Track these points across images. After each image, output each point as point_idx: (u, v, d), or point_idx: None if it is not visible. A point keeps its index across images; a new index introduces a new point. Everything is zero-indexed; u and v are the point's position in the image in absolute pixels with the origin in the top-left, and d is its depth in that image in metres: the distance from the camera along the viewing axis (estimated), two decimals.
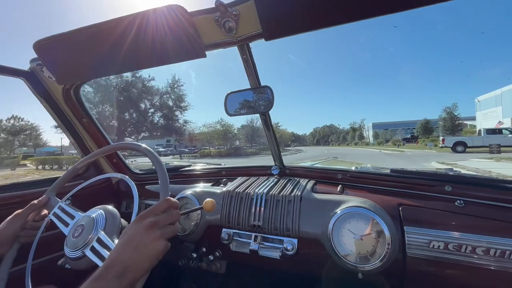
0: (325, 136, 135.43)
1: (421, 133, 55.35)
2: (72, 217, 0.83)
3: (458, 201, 0.85)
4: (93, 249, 0.70)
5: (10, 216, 0.84)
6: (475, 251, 0.74)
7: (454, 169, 1.00)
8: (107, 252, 0.69)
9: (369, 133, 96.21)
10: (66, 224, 0.82)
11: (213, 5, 0.79)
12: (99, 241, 0.72)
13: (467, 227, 0.78)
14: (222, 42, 0.87)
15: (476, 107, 35.23)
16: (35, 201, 0.88)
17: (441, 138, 24.19)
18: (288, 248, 0.93)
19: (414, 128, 72.20)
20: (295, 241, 0.93)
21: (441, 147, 21.16)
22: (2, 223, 0.83)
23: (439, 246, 0.77)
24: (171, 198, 0.67)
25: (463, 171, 1.01)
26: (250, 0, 0.73)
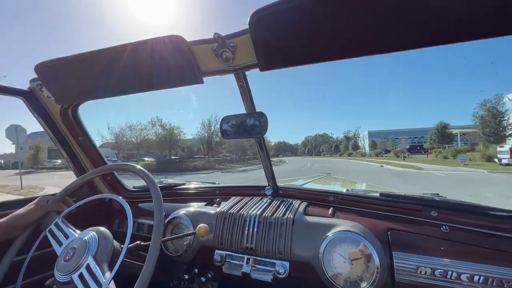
0: (317, 146, 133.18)
1: (437, 141, 42.93)
2: (66, 236, 0.84)
3: (444, 226, 0.88)
4: (81, 277, 0.71)
5: (33, 205, 0.91)
6: (460, 278, 0.76)
7: (440, 194, 1.04)
8: (94, 283, 0.68)
9: (364, 143, 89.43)
10: (60, 244, 0.83)
11: (212, 36, 0.83)
12: (88, 268, 0.72)
13: (452, 253, 0.81)
14: (219, 70, 0.91)
15: (507, 105, 26.57)
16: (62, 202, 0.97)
17: (508, 147, 15.54)
18: (280, 271, 0.93)
19: (422, 137, 63.68)
20: (287, 264, 0.94)
21: (504, 164, 13.22)
22: (23, 208, 0.91)
23: (426, 272, 0.80)
24: None
25: (449, 197, 1.04)
26: (247, 34, 0.78)
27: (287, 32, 0.73)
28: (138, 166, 0.92)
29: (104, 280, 0.69)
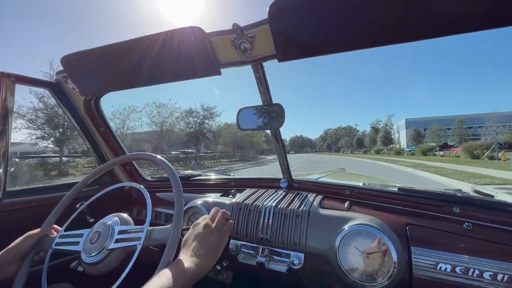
0: (337, 140, 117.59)
1: None
2: (79, 235, 0.86)
3: (466, 223, 0.85)
4: (118, 240, 0.79)
5: (22, 236, 0.84)
6: (482, 276, 0.74)
7: (462, 189, 1.00)
8: (136, 234, 0.79)
9: (399, 135, 66.75)
10: (75, 244, 0.84)
11: (230, 27, 0.84)
12: (122, 232, 0.81)
13: (474, 250, 0.78)
14: (236, 61, 0.92)
15: None
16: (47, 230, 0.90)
17: None
18: (295, 262, 0.94)
19: (480, 127, 40.61)
20: (302, 255, 0.95)
21: None
22: (13, 243, 0.82)
23: (446, 268, 0.78)
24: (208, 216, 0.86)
25: (472, 193, 1.00)
26: (265, 24, 0.78)
27: (306, 21, 0.72)
28: (158, 156, 0.95)
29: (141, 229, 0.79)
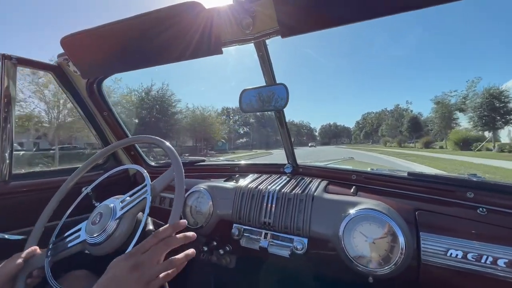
0: (380, 127, 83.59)
1: None
2: (78, 230, 0.83)
3: (480, 208, 0.80)
4: (123, 208, 0.77)
5: (10, 258, 0.75)
6: (496, 263, 0.70)
7: (478, 174, 0.95)
8: (140, 192, 0.77)
9: None
10: (76, 237, 0.81)
11: (231, 2, 0.79)
12: (124, 201, 0.79)
13: (489, 236, 0.74)
14: (238, 39, 0.87)
15: None
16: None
17: None
18: (298, 247, 0.92)
19: None
20: (305, 240, 0.93)
21: None
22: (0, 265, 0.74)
23: (457, 255, 0.74)
24: (168, 228, 0.64)
25: (487, 177, 0.95)
26: None
27: None
28: (159, 138, 0.93)
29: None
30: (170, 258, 0.61)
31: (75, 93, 1.25)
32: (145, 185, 0.78)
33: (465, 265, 0.73)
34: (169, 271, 0.59)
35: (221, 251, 1.12)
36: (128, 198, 0.79)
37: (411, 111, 72.09)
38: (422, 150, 33.19)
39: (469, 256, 0.73)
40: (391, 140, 57.78)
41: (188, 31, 0.86)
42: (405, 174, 1.00)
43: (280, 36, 0.82)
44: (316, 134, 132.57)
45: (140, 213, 0.82)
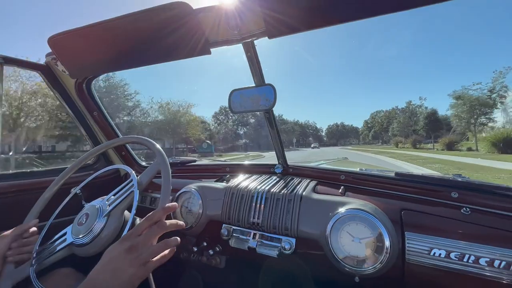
0: (389, 126, 77.99)
1: None
2: (64, 234, 0.82)
3: (464, 208, 0.82)
4: (110, 205, 0.78)
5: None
6: (478, 262, 0.71)
7: (463, 175, 0.96)
8: (126, 187, 0.77)
9: None
10: (63, 241, 0.80)
11: (218, 3, 0.79)
12: (110, 199, 0.79)
13: (472, 236, 0.75)
14: (226, 40, 0.88)
15: None
16: (22, 225, 0.83)
17: None
18: (286, 247, 0.92)
19: None
20: (293, 240, 0.93)
21: None
22: None
23: (440, 254, 0.75)
24: (159, 211, 0.64)
25: (472, 178, 0.97)
26: None
27: None
28: (147, 138, 0.92)
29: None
30: (165, 239, 0.62)
31: (64, 93, 1.24)
32: (131, 181, 0.78)
33: (448, 264, 0.74)
34: (165, 252, 0.60)
35: (211, 252, 1.12)
36: (112, 197, 0.79)
37: (426, 107, 61.35)
38: (446, 153, 25.38)
39: (452, 255, 0.74)
40: (403, 141, 47.81)
41: (176, 31, 0.86)
42: (393, 175, 1.01)
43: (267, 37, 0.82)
44: (323, 134, 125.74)
45: (127, 212, 0.82)
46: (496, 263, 0.69)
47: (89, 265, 0.61)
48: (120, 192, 0.79)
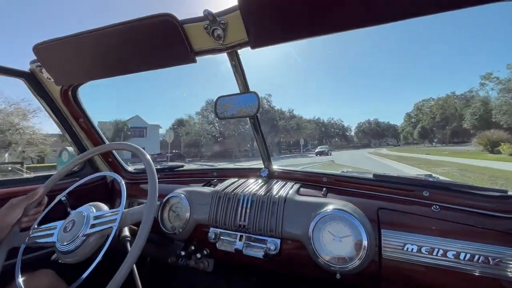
0: (448, 121, 54.99)
1: None
2: (53, 228, 0.85)
3: (434, 206, 0.88)
4: (93, 226, 0.79)
5: (7, 205, 0.86)
6: (446, 255, 0.77)
7: (433, 175, 1.03)
8: (111, 216, 0.78)
9: None
10: (50, 236, 0.84)
11: (202, 14, 0.83)
12: (97, 217, 0.80)
13: (441, 231, 0.81)
14: (211, 49, 0.91)
15: None
16: (33, 193, 0.91)
17: None
18: (271, 248, 0.96)
19: None
20: (278, 241, 0.97)
21: None
22: (0, 210, 0.86)
23: (412, 249, 0.81)
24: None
25: (441, 178, 1.04)
26: (236, 10, 0.77)
27: (277, 5, 0.72)
28: (134, 144, 0.94)
29: (118, 211, 0.78)
30: None
31: (48, 100, 1.24)
32: (117, 212, 0.79)
33: (419, 258, 0.80)
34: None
35: (199, 255, 1.13)
36: (96, 221, 0.80)
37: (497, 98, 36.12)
38: None
39: (423, 249, 0.80)
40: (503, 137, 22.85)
41: (162, 41, 0.89)
42: (371, 176, 1.07)
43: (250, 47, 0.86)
44: (352, 134, 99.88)
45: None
46: (462, 255, 0.76)
47: (70, 271, 0.63)
48: (104, 219, 0.80)
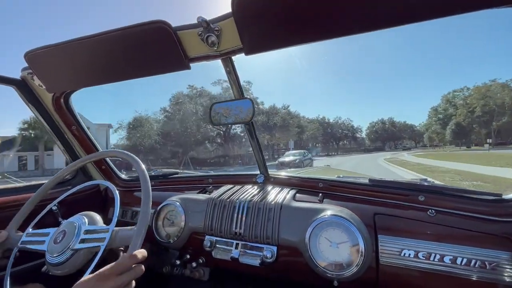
0: (493, 115, 42.45)
1: None
2: (45, 234, 0.84)
3: (430, 210, 0.88)
4: (83, 240, 0.76)
5: None
6: (443, 260, 0.77)
7: (428, 179, 1.04)
8: (101, 234, 0.76)
9: None
10: (41, 243, 0.82)
11: (196, 21, 0.83)
12: (88, 232, 0.78)
13: (437, 236, 0.81)
14: (205, 55, 0.91)
15: None
16: None
17: None
18: (267, 255, 0.95)
19: None
20: (275, 248, 0.96)
21: None
22: None
23: (409, 254, 0.80)
24: (138, 253, 0.66)
25: (437, 182, 1.05)
26: (230, 17, 0.77)
27: (270, 11, 0.72)
28: (126, 152, 0.93)
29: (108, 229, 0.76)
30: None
31: (40, 108, 1.22)
32: (107, 230, 0.76)
33: (416, 264, 0.79)
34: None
35: (194, 264, 1.11)
36: (87, 235, 0.78)
37: None
38: None
39: (420, 255, 0.79)
40: None
41: (156, 48, 0.89)
42: (367, 181, 1.07)
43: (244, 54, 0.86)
44: (363, 136, 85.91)
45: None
46: (459, 260, 0.76)
47: (60, 285, 0.61)
48: (94, 236, 0.77)
